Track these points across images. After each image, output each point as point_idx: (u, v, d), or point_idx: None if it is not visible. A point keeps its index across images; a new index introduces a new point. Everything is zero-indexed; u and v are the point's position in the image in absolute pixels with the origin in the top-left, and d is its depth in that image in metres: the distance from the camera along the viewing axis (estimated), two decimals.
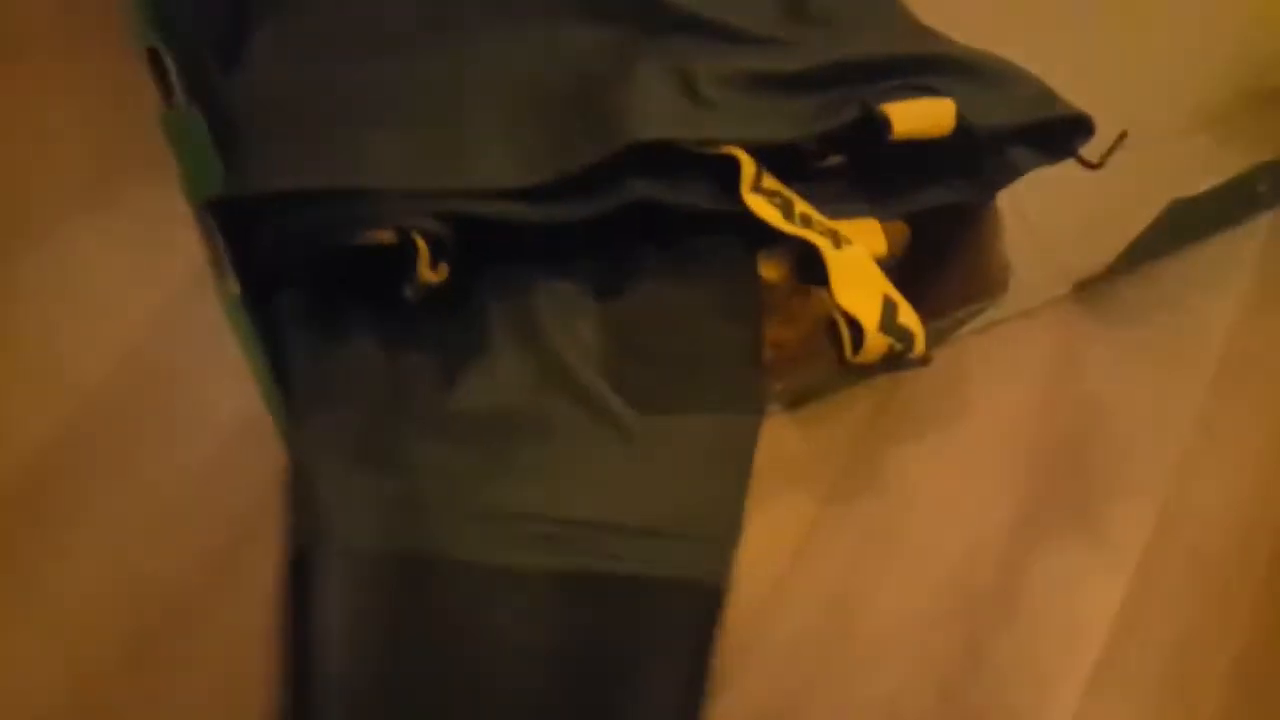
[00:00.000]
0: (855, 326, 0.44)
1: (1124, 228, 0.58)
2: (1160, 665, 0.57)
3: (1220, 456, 0.61)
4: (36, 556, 0.50)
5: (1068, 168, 0.64)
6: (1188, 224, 0.57)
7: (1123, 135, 0.47)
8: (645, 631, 0.41)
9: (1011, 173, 0.48)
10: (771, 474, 0.56)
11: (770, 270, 0.48)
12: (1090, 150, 0.47)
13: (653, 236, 0.45)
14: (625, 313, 0.44)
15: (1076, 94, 0.47)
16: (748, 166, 0.44)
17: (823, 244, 0.44)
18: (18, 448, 0.52)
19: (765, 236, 0.49)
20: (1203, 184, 0.55)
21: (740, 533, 0.43)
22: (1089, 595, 0.58)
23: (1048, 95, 0.48)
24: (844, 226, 0.46)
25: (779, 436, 0.57)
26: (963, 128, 0.45)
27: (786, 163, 0.45)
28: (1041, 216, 0.62)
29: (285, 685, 0.39)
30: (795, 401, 0.56)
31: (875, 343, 0.44)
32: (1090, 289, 0.62)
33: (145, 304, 0.54)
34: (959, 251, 0.51)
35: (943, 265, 0.52)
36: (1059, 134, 0.48)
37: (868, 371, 0.55)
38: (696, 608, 0.41)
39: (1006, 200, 0.62)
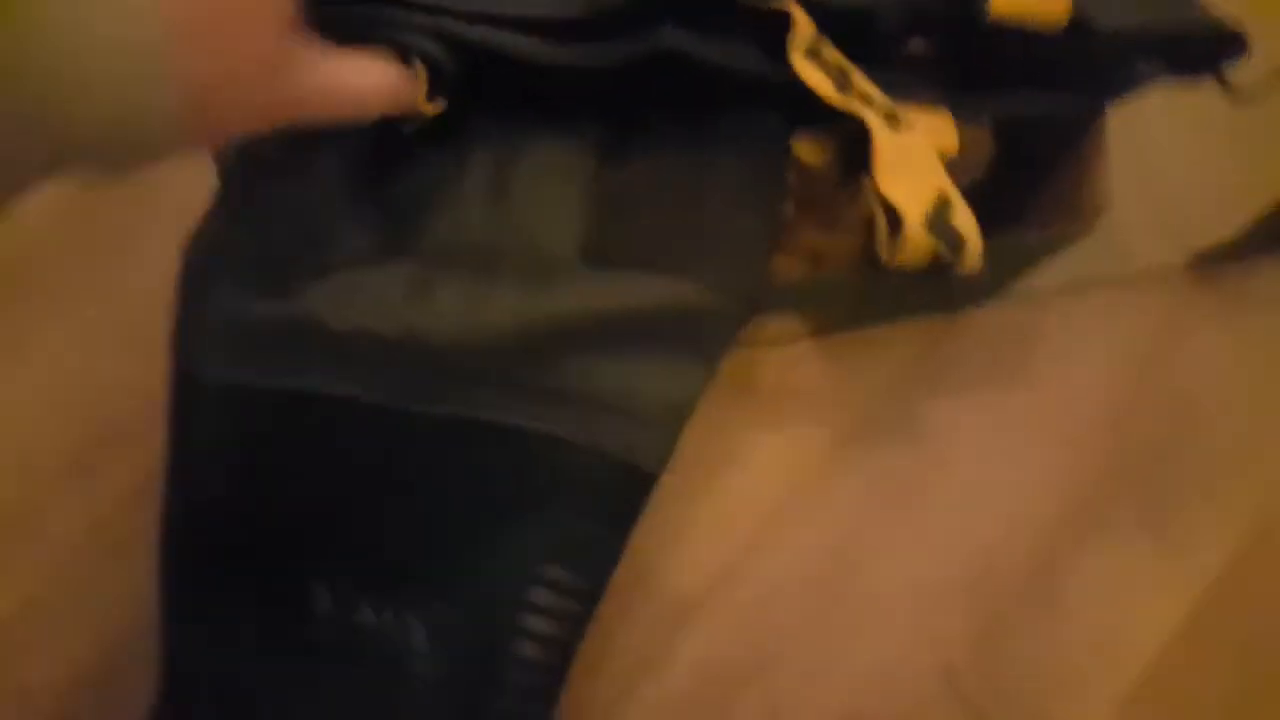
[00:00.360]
0: (894, 219, 0.37)
1: (1264, 199, 0.49)
2: (1218, 696, 0.49)
3: None
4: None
5: (1207, 113, 0.56)
6: None
7: None
8: (545, 494, 0.37)
9: (1132, 86, 0.40)
10: (785, 401, 0.50)
11: (810, 153, 0.41)
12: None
13: (676, 106, 0.39)
14: (622, 183, 0.38)
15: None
16: (803, 26, 0.37)
17: (874, 122, 0.38)
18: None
19: (811, 117, 0.42)
20: None
21: (684, 421, 0.37)
22: (1144, 604, 0.49)
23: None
24: (911, 113, 0.39)
25: (801, 362, 0.50)
26: (1079, 21, 0.38)
27: (857, 40, 0.39)
28: (1164, 168, 0.54)
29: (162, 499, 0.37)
30: (823, 329, 0.49)
31: (917, 241, 0.37)
32: (1211, 265, 0.53)
33: None
34: (1047, 171, 0.43)
35: (1025, 184, 0.44)
36: (1201, 50, 0.40)
37: (906, 303, 0.48)
38: (615, 484, 0.37)
39: (1123, 137, 0.54)
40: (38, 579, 0.46)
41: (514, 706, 0.38)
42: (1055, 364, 0.51)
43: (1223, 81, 0.39)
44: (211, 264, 0.37)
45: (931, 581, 0.49)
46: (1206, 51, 0.40)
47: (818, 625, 0.48)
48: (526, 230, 0.38)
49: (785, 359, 0.50)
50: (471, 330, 0.36)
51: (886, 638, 0.48)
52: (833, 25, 0.38)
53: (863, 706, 0.47)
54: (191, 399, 0.37)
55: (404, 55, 0.35)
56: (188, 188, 0.50)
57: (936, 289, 0.46)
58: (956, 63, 0.40)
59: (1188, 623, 0.49)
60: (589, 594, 0.39)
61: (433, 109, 0.36)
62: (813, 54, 0.38)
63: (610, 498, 0.38)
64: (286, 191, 0.37)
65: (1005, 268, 0.46)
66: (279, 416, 0.36)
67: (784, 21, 0.38)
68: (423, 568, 0.38)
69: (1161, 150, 0.54)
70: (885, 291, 0.44)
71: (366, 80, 0.33)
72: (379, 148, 0.37)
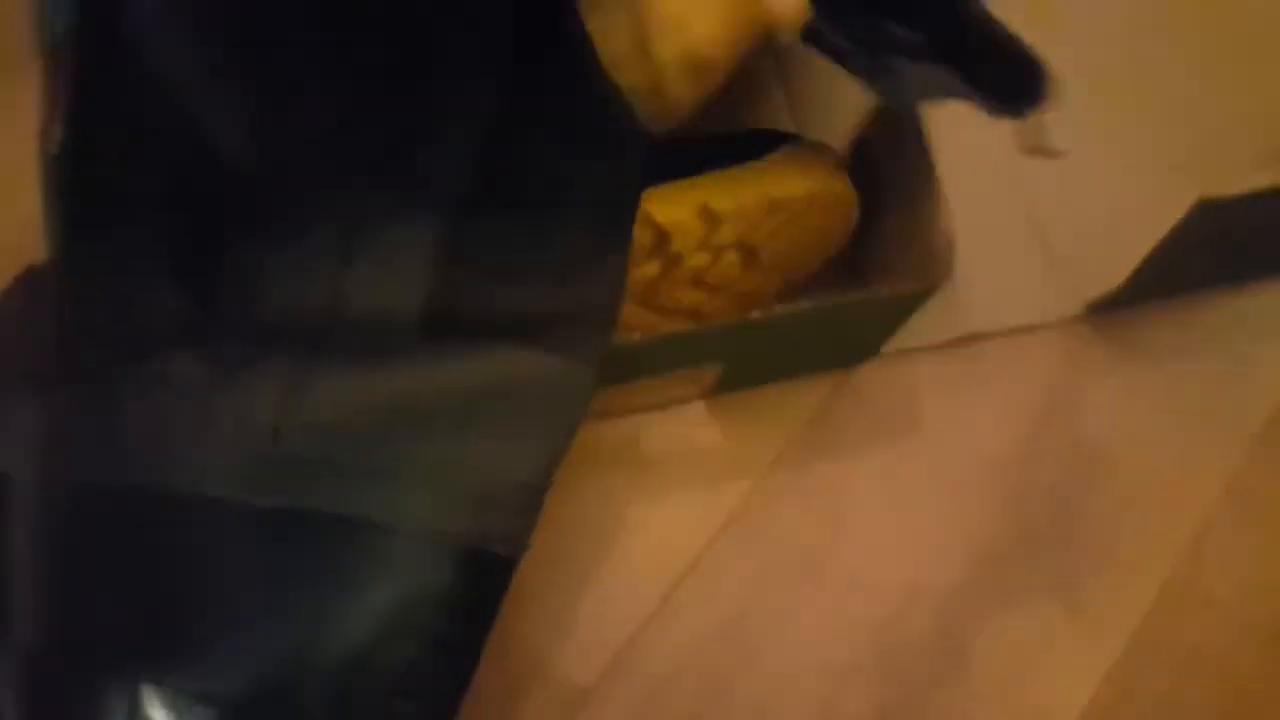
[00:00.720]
0: None
1: (1151, 245, 0.48)
2: None
3: (1248, 537, 0.49)
4: None
5: (1091, 162, 0.56)
6: (1221, 237, 0.46)
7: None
8: (392, 589, 0.35)
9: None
10: (676, 467, 0.48)
11: (665, 211, 0.41)
12: None
13: (528, 161, 0.38)
14: (470, 242, 0.36)
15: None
16: None
17: None
18: None
19: (671, 171, 0.42)
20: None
21: (539, 502, 0.36)
22: (1054, 673, 0.46)
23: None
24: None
25: (689, 427, 0.48)
26: None
27: None
28: (1053, 218, 0.53)
29: None
30: (710, 390, 0.47)
31: None
32: (1110, 315, 0.52)
33: None
34: (894, 215, 0.42)
35: (879, 233, 0.43)
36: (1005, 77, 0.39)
37: (792, 360, 0.47)
38: (468, 572, 0.35)
39: (1015, 199, 0.54)
40: None
41: None
42: (950, 422, 0.50)
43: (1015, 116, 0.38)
44: (11, 357, 0.35)
45: (835, 661, 0.46)
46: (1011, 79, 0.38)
47: (717, 711, 0.45)
48: (368, 295, 0.36)
49: (672, 423, 0.48)
50: (297, 415, 0.34)
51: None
52: None
53: None
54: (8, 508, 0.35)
55: None
56: None
57: (813, 343, 0.45)
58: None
59: (1098, 696, 0.46)
60: (452, 693, 0.36)
61: None
62: None
63: (464, 587, 0.36)
64: (87, 265, 0.36)
65: (873, 323, 0.45)
66: (94, 513, 0.34)
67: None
68: (267, 676, 0.35)
69: (1050, 201, 0.53)
70: (750, 342, 0.42)
71: None
72: (205, 211, 0.36)
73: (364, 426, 0.35)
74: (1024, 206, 0.54)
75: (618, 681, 0.45)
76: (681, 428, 0.48)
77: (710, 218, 0.41)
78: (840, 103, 0.53)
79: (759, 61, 0.55)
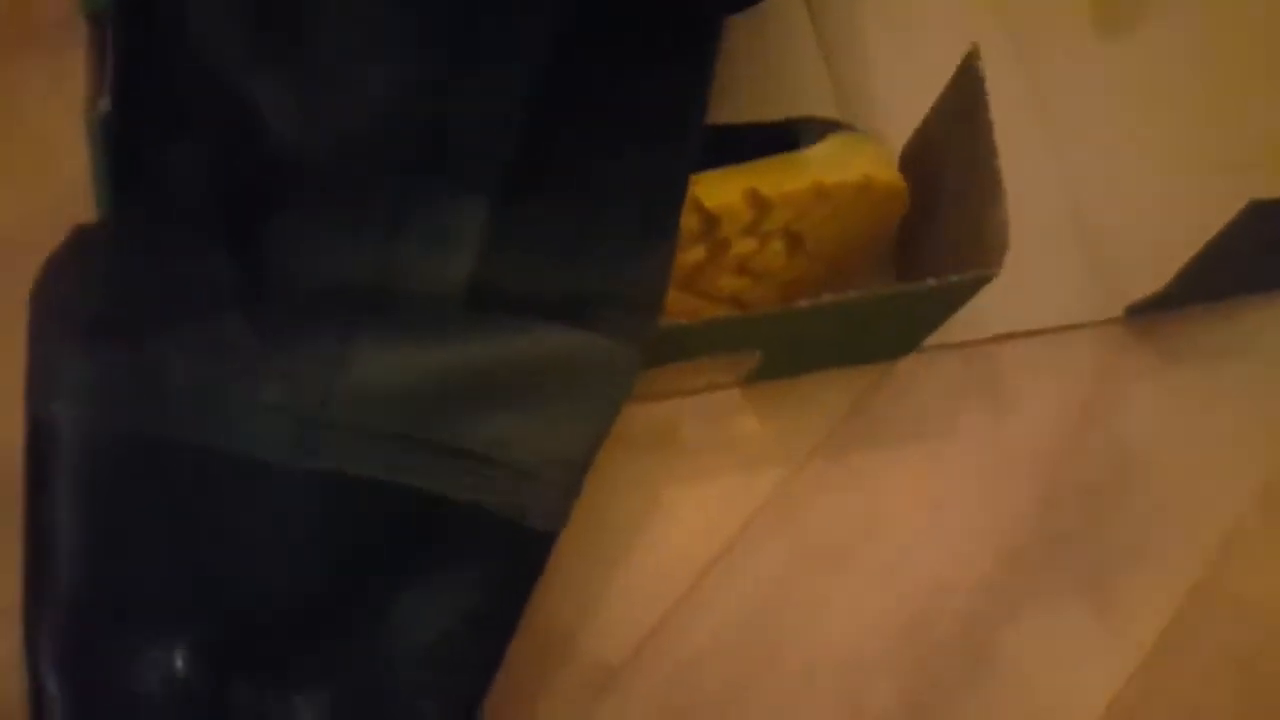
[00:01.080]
0: None
1: (1194, 247, 0.48)
2: None
3: (1277, 543, 0.49)
4: None
5: (1138, 163, 0.55)
6: (1271, 239, 0.46)
7: None
8: (433, 556, 0.35)
9: None
10: (712, 453, 0.48)
11: (714, 195, 0.41)
12: None
13: (575, 142, 0.38)
14: (517, 221, 0.36)
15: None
16: None
17: None
18: None
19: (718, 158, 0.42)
20: None
21: (580, 480, 0.36)
22: (1084, 674, 0.46)
23: None
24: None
25: (726, 414, 0.48)
26: None
27: None
28: (1096, 219, 0.53)
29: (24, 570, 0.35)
30: (749, 378, 0.47)
31: None
32: (1150, 317, 0.52)
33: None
34: (945, 208, 0.42)
35: (927, 226, 0.43)
36: None
37: (832, 352, 0.47)
38: (506, 545, 0.36)
39: (1061, 198, 0.53)
40: None
41: None
42: (987, 420, 0.50)
43: None
44: (62, 311, 0.35)
45: (862, 652, 0.46)
46: None
47: (743, 698, 0.45)
48: (415, 269, 0.36)
49: (709, 410, 0.48)
50: (343, 376, 0.35)
51: (816, 713, 0.45)
52: None
53: None
54: (46, 446, 0.35)
55: None
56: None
57: (852, 334, 0.45)
58: None
59: (1123, 695, 0.46)
60: (485, 665, 0.37)
61: None
62: None
63: (502, 560, 0.36)
64: (135, 229, 0.36)
65: (918, 316, 0.45)
66: (140, 466, 0.34)
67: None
68: (306, 639, 0.35)
69: (1096, 201, 0.53)
70: (791, 332, 0.42)
71: None
72: (252, 182, 0.36)
73: (409, 397, 0.35)
74: (1069, 206, 0.54)
75: (646, 663, 0.45)
76: (719, 414, 0.48)
77: (759, 203, 0.40)
78: (890, 93, 0.53)
79: (805, 50, 0.55)
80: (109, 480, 0.34)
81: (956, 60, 0.42)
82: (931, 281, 0.39)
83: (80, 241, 0.36)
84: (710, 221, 0.41)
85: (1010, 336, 0.51)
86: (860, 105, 0.53)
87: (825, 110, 0.53)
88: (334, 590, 0.35)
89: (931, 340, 0.49)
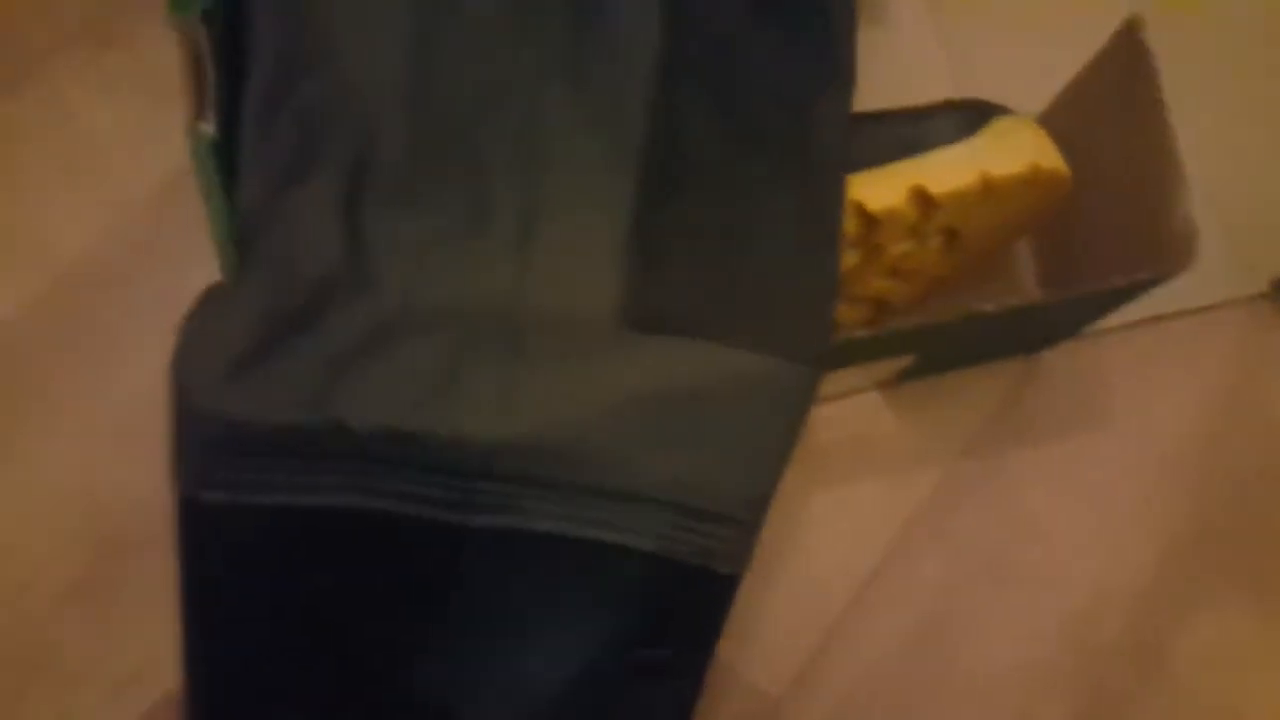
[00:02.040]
0: None
1: None
2: None
3: None
4: None
5: (1270, 143, 0.52)
6: None
7: None
8: (609, 611, 0.33)
9: None
10: (857, 459, 0.46)
11: (875, 197, 0.38)
12: None
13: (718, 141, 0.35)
14: (662, 230, 0.33)
15: None
16: None
17: None
18: None
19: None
20: None
21: (763, 515, 0.33)
22: (1255, 678, 0.45)
23: None
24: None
25: (869, 417, 0.46)
26: None
27: None
28: (1238, 196, 0.50)
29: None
30: (891, 379, 0.45)
31: None
32: None
33: (143, 168, 0.47)
34: (1125, 203, 0.39)
35: (1105, 219, 0.41)
36: None
37: (979, 348, 0.44)
38: (689, 593, 0.33)
39: (1194, 169, 0.51)
40: (55, 713, 0.41)
41: None
42: (1136, 408, 0.47)
43: None
44: (199, 362, 0.32)
45: (1030, 661, 0.44)
46: None
47: (915, 711, 0.43)
48: (556, 287, 0.33)
49: (851, 413, 0.46)
50: (507, 423, 0.32)
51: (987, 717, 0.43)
52: None
53: None
54: (195, 522, 0.32)
55: None
56: (170, 276, 0.46)
57: (1012, 331, 0.42)
58: None
59: None
60: (679, 717, 0.34)
61: None
62: None
63: (686, 609, 0.34)
64: (281, 253, 0.33)
65: (1090, 312, 0.42)
66: (293, 537, 0.32)
67: None
68: (486, 707, 0.33)
69: (1224, 174, 0.50)
70: (958, 336, 0.40)
71: None
72: (370, 188, 0.33)
73: (578, 437, 0.32)
74: (1198, 178, 0.51)
75: (809, 690, 0.43)
76: (860, 418, 0.46)
77: (925, 203, 0.38)
78: (1017, 67, 0.50)
79: (918, 25, 0.52)
80: (267, 559, 0.32)
81: (1082, 32, 0.39)
82: (1118, 280, 0.36)
83: (210, 309, 0.33)
84: (870, 225, 0.38)
85: (1154, 320, 0.48)
86: (980, 79, 0.50)
87: (940, 93, 0.50)
88: (505, 656, 0.33)
89: None
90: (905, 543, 0.45)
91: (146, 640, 0.42)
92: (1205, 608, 0.45)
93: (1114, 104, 0.40)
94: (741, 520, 0.33)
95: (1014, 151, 0.39)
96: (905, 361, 0.42)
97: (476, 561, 0.32)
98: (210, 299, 0.33)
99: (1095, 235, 0.42)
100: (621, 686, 0.33)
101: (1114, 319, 0.48)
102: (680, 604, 0.34)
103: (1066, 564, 0.45)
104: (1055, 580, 0.45)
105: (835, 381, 0.44)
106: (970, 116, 0.40)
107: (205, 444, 0.32)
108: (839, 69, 0.36)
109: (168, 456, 0.43)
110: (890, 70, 0.51)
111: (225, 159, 0.34)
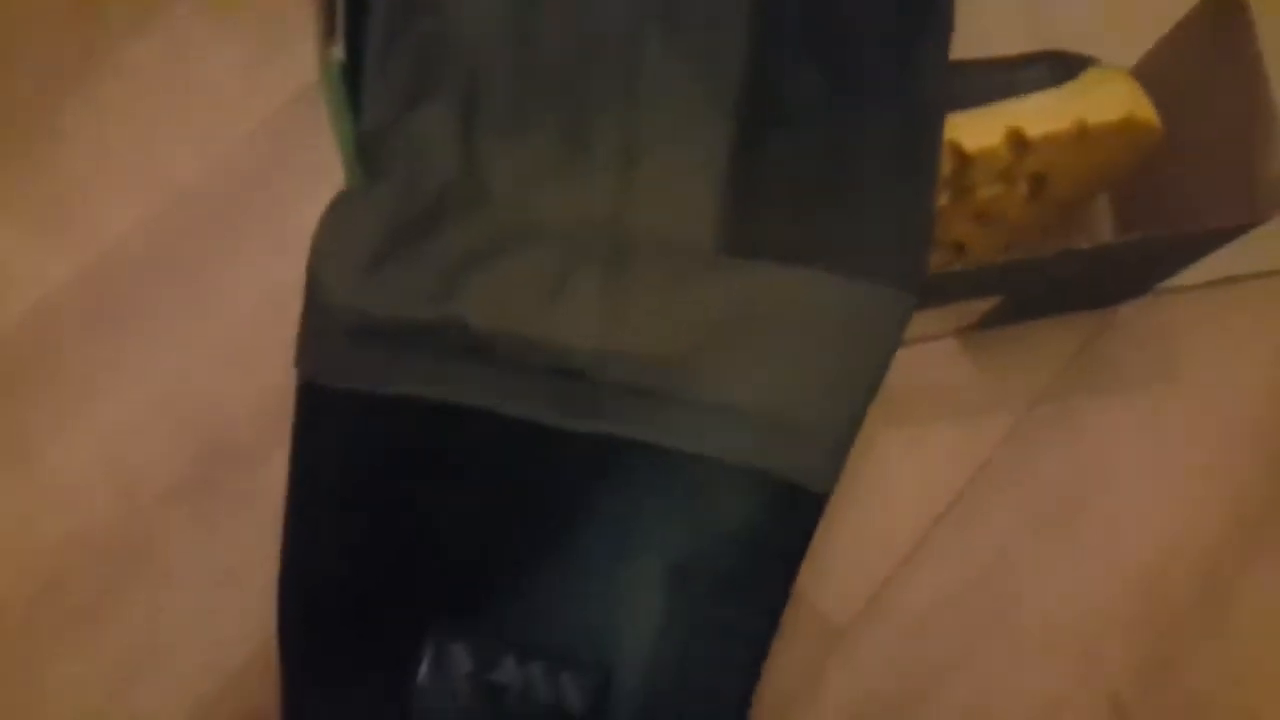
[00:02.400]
0: None
1: None
2: None
3: None
4: (87, 364, 0.45)
5: None
6: None
7: None
8: (706, 525, 0.34)
9: None
10: (933, 404, 0.47)
11: (971, 138, 0.39)
12: None
13: (816, 76, 0.36)
14: (760, 163, 0.34)
15: None
16: None
17: None
18: (96, 235, 0.47)
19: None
20: None
21: (853, 437, 0.34)
22: None
23: None
24: None
25: (943, 362, 0.47)
26: None
27: None
28: None
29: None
30: (967, 326, 0.46)
31: None
32: None
33: (253, 104, 0.48)
34: (1212, 158, 0.40)
35: (1190, 175, 0.41)
36: None
37: (1055, 299, 0.45)
38: (780, 509, 0.34)
39: None
40: (149, 607, 0.43)
41: None
42: (1210, 366, 0.48)
43: None
44: (335, 258, 0.33)
45: (1093, 608, 0.45)
46: None
47: (974, 657, 0.44)
48: (657, 211, 0.34)
49: (926, 358, 0.47)
50: (611, 332, 0.33)
51: (1048, 669, 0.44)
52: None
53: None
54: (314, 409, 0.34)
55: None
56: (274, 206, 0.48)
57: (1094, 280, 0.43)
58: None
59: None
60: (760, 640, 0.35)
61: None
62: None
63: (776, 524, 0.34)
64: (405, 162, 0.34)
65: (1170, 262, 0.43)
66: (409, 430, 0.33)
67: None
68: (575, 615, 0.34)
69: None
70: (1047, 277, 0.40)
71: None
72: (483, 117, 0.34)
73: (677, 352, 0.34)
74: None
75: (873, 622, 0.44)
76: (936, 364, 0.47)
77: (1020, 145, 0.39)
78: (1097, 25, 0.50)
79: None
80: (380, 448, 0.33)
81: None
82: (1212, 222, 0.37)
83: (342, 212, 0.35)
84: (963, 165, 0.39)
85: (1227, 280, 0.49)
86: (1056, 29, 0.50)
87: (1020, 48, 0.51)
88: (606, 566, 0.34)
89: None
90: (975, 486, 0.46)
91: (241, 545, 0.43)
92: (1272, 564, 0.46)
93: (1208, 57, 0.41)
94: (832, 441, 0.34)
95: (1110, 100, 0.39)
96: (988, 304, 0.43)
97: (573, 467, 0.34)
98: (341, 204, 0.34)
99: (1177, 192, 0.43)
100: (707, 602, 0.35)
101: (1188, 277, 0.48)
102: (770, 519, 0.35)
103: (1134, 514, 0.46)
104: (1123, 530, 0.46)
105: (915, 326, 0.45)
106: (1066, 64, 0.41)
107: (335, 334, 0.33)
108: (938, 15, 0.37)
109: (266, 371, 0.45)
110: (972, 27, 0.52)
111: (350, 83, 0.36)
